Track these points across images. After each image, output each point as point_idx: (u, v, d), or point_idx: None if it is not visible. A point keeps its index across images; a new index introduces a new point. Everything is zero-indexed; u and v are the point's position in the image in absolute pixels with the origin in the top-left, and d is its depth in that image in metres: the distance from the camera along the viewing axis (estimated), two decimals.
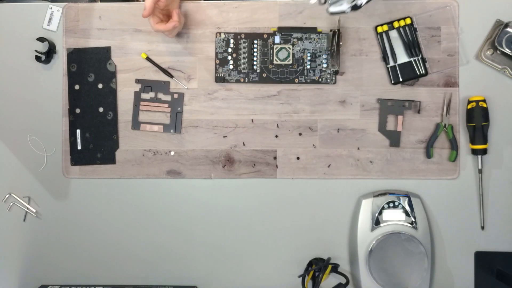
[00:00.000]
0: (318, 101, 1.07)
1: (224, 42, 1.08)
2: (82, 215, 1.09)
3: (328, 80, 1.07)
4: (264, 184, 1.08)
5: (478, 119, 1.03)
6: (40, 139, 1.09)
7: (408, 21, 1.05)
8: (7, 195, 1.09)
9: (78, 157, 1.09)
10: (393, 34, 1.06)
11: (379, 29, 1.06)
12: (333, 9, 0.89)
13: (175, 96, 1.08)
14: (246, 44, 1.08)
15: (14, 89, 1.09)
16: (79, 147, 1.09)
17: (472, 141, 1.04)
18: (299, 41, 1.07)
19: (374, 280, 1.01)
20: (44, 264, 1.10)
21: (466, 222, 1.06)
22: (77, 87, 1.09)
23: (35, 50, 1.07)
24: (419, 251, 1.00)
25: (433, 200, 1.06)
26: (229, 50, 1.08)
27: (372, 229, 1.02)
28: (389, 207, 1.02)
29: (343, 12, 0.89)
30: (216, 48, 1.08)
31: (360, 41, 1.07)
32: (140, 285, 1.09)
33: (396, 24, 1.05)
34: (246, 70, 1.08)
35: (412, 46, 1.05)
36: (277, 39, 1.07)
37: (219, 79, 1.08)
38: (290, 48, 1.07)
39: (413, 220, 1.02)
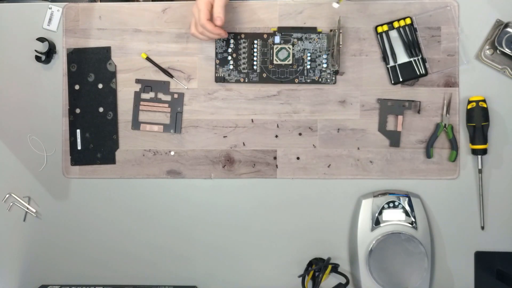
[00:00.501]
0: (318, 101, 1.07)
1: (224, 42, 1.08)
2: (82, 215, 1.09)
3: (328, 80, 1.07)
4: (264, 184, 1.08)
5: (478, 119, 1.03)
6: (40, 139, 1.09)
7: (408, 21, 1.05)
8: (7, 195, 1.09)
9: (78, 157, 1.09)
10: (393, 34, 1.06)
11: (379, 29, 1.06)
12: None
13: (175, 96, 1.08)
14: (246, 44, 1.08)
15: (14, 89, 1.09)
16: (79, 147, 1.09)
17: (472, 141, 1.04)
18: (299, 41, 1.07)
19: (374, 280, 1.01)
20: (44, 264, 1.10)
21: (466, 222, 1.06)
22: (77, 87, 1.09)
23: (35, 50, 1.07)
24: (419, 251, 1.00)
25: (433, 200, 1.06)
26: (229, 50, 1.08)
27: (372, 229, 1.02)
28: (389, 207, 1.02)
29: None
30: (216, 48, 1.08)
31: (360, 41, 1.07)
32: (140, 285, 1.09)
33: (396, 24, 1.05)
34: (246, 70, 1.08)
35: (412, 46, 1.05)
36: (277, 39, 1.07)
37: (219, 79, 1.08)
38: (290, 48, 1.07)
39: (413, 220, 1.02)
